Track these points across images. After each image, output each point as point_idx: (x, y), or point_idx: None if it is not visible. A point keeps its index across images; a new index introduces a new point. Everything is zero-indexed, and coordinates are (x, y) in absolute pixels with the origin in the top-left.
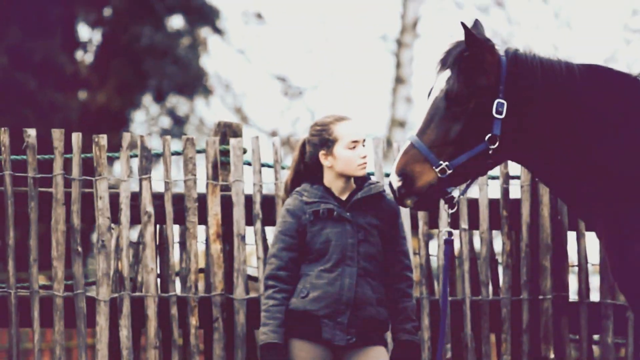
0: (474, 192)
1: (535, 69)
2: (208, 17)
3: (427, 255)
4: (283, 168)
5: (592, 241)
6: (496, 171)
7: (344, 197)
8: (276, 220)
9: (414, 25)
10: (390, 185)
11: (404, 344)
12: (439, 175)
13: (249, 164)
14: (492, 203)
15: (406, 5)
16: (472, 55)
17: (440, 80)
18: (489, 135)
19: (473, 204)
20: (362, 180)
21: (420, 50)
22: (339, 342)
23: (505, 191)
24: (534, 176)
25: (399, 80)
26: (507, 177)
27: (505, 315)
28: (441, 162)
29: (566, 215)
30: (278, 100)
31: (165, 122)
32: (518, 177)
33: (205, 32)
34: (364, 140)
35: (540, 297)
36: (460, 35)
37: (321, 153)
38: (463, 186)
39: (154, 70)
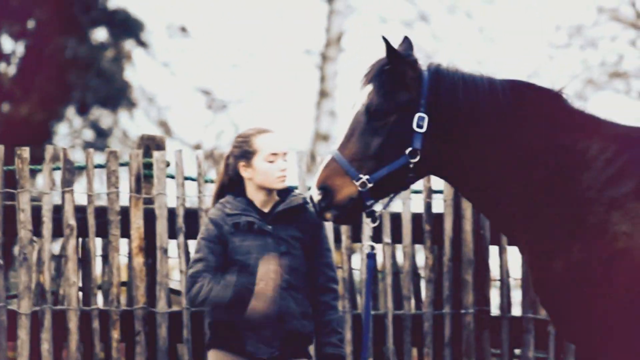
0: (397, 206)
1: (457, 83)
2: (132, 30)
3: (350, 269)
4: (206, 181)
5: (514, 256)
6: (419, 185)
7: (266, 210)
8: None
9: (339, 39)
10: (311, 199)
11: (329, 357)
12: (359, 189)
13: (172, 177)
14: (415, 217)
15: (331, 19)
16: (392, 69)
17: (362, 95)
18: (410, 149)
19: (396, 218)
20: (285, 193)
21: (345, 64)
22: (262, 356)
23: (428, 205)
24: (457, 190)
25: (323, 94)
26: (430, 192)
27: (427, 329)
28: (361, 175)
29: (488, 229)
30: (202, 114)
31: (89, 134)
32: (441, 192)
33: (129, 44)
34: (285, 154)
35: (462, 311)
36: (385, 50)
37: (241, 164)
38: (386, 200)
39: (78, 82)
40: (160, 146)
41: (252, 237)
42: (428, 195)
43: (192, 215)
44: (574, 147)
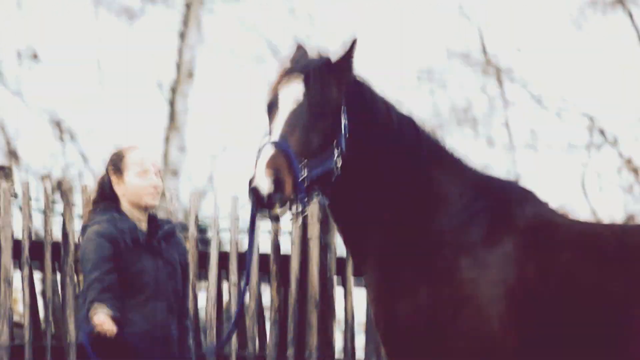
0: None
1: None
2: None
3: (196, 306)
4: (54, 213)
5: (359, 299)
6: (268, 226)
7: (143, 229)
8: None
9: (191, 74)
10: (254, 191)
11: None
12: (299, 186)
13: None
14: (262, 258)
15: (182, 53)
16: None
17: (297, 89)
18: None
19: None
20: (151, 218)
21: (196, 99)
22: None
23: (276, 246)
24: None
25: (173, 128)
26: (277, 233)
27: None
28: (304, 172)
29: (334, 271)
30: (51, 144)
31: None
32: (290, 233)
33: None
34: (159, 171)
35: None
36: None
37: (114, 180)
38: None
39: None
40: (8, 176)
41: (145, 256)
42: (276, 236)
43: (38, 248)
44: (438, 188)
